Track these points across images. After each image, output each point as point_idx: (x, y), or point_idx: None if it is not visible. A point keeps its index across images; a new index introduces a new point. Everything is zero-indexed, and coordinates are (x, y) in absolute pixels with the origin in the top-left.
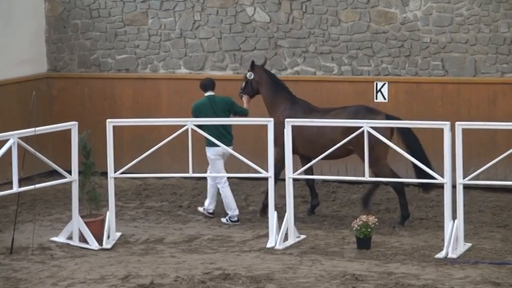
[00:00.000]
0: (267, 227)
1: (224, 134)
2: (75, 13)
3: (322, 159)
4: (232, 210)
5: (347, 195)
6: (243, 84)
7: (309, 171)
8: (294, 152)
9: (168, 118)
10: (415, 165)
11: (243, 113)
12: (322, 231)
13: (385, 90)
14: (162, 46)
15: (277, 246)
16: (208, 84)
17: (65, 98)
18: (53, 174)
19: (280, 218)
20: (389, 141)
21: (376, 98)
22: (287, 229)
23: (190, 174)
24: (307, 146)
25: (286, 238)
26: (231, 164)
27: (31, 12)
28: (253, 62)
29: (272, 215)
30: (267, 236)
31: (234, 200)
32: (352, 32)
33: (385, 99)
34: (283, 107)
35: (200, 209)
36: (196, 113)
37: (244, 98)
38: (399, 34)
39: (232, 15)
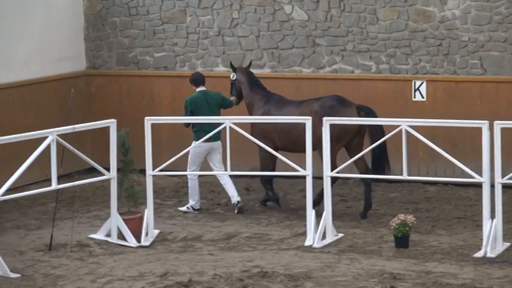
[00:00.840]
0: (305, 225)
1: (212, 129)
2: (114, 11)
3: (298, 152)
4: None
5: (385, 194)
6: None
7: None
8: (273, 146)
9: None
10: (373, 159)
11: (230, 105)
12: (360, 229)
13: (423, 89)
14: (200, 44)
15: (315, 245)
16: (200, 78)
17: (103, 95)
18: (92, 171)
19: (318, 217)
20: (364, 135)
21: (414, 97)
22: (325, 227)
23: (228, 172)
24: (283, 138)
25: (324, 236)
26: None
27: (70, 10)
28: (231, 63)
29: (310, 213)
30: (305, 234)
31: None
32: (391, 31)
33: (423, 98)
34: (259, 104)
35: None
36: (192, 108)
37: (233, 99)
38: (437, 33)
39: (270, 14)
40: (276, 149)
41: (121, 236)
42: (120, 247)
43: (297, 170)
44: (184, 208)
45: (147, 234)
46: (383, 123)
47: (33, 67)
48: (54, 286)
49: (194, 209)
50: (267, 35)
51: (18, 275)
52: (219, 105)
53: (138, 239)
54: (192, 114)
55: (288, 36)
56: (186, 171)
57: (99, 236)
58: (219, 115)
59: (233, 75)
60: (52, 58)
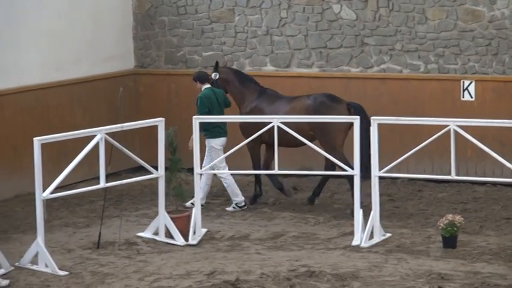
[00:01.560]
0: (353, 225)
1: (224, 126)
2: (162, 10)
3: (286, 146)
4: (239, 196)
5: (433, 194)
6: (208, 85)
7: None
8: (262, 141)
9: (255, 116)
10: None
11: (229, 104)
12: (408, 229)
13: (472, 88)
14: (248, 43)
15: (363, 244)
16: (206, 76)
17: (151, 94)
18: (140, 170)
19: (366, 216)
20: (347, 132)
21: (463, 97)
22: (373, 227)
23: (276, 171)
24: (272, 133)
25: (371, 236)
26: (317, 161)
27: (119, 9)
28: (217, 63)
29: (358, 213)
30: (352, 233)
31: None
32: (439, 30)
33: (472, 97)
34: (251, 98)
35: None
36: (208, 104)
37: None
38: (486, 32)
39: (318, 13)
40: (263, 143)
41: (169, 234)
42: (167, 245)
43: (345, 170)
44: (230, 208)
45: (194, 232)
46: (432, 123)
47: (82, 66)
48: (102, 284)
49: (240, 207)
50: (315, 34)
51: (67, 273)
52: (224, 102)
53: (186, 238)
54: (209, 111)
55: (336, 35)
56: (233, 170)
57: (147, 234)
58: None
59: (215, 74)
60: (101, 57)
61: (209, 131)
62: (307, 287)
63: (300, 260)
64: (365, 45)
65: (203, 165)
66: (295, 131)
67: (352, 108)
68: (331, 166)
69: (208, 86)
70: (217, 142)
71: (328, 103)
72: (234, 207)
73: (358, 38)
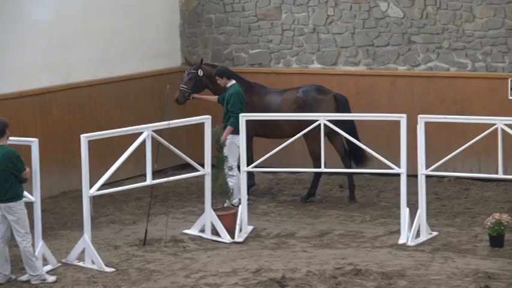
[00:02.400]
0: (399, 223)
1: None
2: (209, 7)
3: (276, 137)
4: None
5: (480, 193)
6: (189, 84)
7: None
8: (253, 133)
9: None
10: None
11: None
12: (455, 228)
13: None
14: (295, 41)
15: (409, 243)
16: (232, 72)
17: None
18: (186, 167)
19: (413, 215)
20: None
21: (511, 95)
22: (419, 226)
23: (323, 169)
24: (263, 125)
25: (418, 235)
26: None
27: (166, 6)
28: (202, 60)
29: (404, 211)
30: (398, 232)
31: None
32: (487, 28)
33: None
34: None
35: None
36: (243, 101)
37: (196, 95)
38: None
39: (365, 11)
40: (256, 135)
41: (215, 231)
42: (213, 243)
43: (392, 168)
44: (227, 203)
45: (240, 230)
46: (479, 122)
47: (129, 63)
48: (148, 281)
49: (235, 206)
50: (362, 32)
51: (113, 269)
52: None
53: (232, 235)
54: (242, 107)
55: (383, 33)
56: (279, 168)
57: (193, 231)
58: None
59: (200, 71)
60: (148, 54)
61: (237, 128)
62: (353, 285)
63: (346, 258)
64: (412, 43)
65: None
66: (283, 123)
67: (338, 100)
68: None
69: (234, 81)
70: (238, 139)
71: (316, 95)
72: (232, 204)
73: (405, 36)
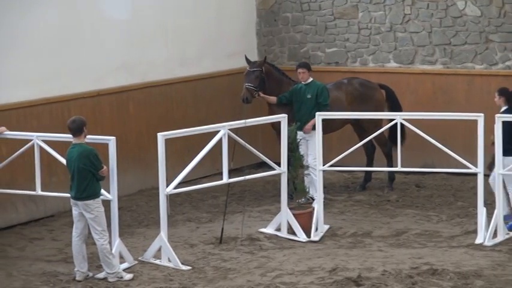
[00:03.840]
0: (476, 223)
1: None
2: (286, 6)
3: (325, 133)
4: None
5: None
6: (255, 82)
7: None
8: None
9: (379, 112)
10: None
11: None
12: None
13: None
14: (371, 40)
15: (486, 243)
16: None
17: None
18: (262, 166)
19: (490, 215)
20: None
21: None
22: (496, 225)
23: (399, 168)
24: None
25: (495, 235)
26: (439, 158)
27: (243, 5)
28: (265, 58)
29: (481, 211)
30: (475, 232)
31: None
32: None
33: None
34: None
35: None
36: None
37: (262, 94)
38: None
39: (442, 9)
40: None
41: (291, 230)
42: (289, 241)
43: (469, 168)
44: (304, 200)
45: (316, 229)
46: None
47: (206, 62)
48: (224, 279)
49: (313, 199)
50: (439, 31)
51: (189, 267)
52: None
53: (308, 234)
54: None
55: (461, 32)
56: (355, 166)
57: (269, 230)
58: None
59: (261, 69)
60: (224, 53)
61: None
62: (429, 285)
63: (423, 257)
64: (489, 42)
65: (308, 160)
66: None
67: (384, 88)
68: (372, 147)
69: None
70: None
71: (368, 85)
72: (306, 199)
73: (482, 34)
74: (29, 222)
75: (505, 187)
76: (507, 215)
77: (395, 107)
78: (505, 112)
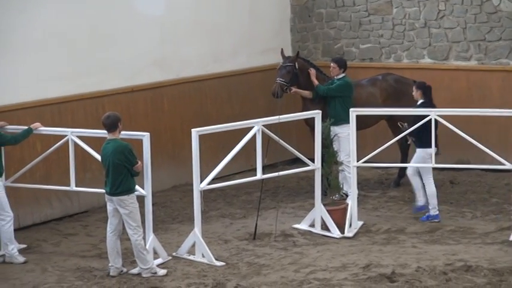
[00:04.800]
0: (510, 220)
1: None
2: (320, 2)
3: (359, 129)
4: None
5: None
6: (287, 77)
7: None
8: None
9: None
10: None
11: None
12: None
13: None
14: (406, 36)
15: None
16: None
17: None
18: (296, 161)
19: None
20: None
21: None
22: None
23: (433, 164)
24: None
25: None
26: (474, 155)
27: (277, 1)
28: (298, 53)
29: None
30: (510, 228)
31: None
32: None
33: None
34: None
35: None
36: (350, 92)
37: (294, 89)
38: None
39: (477, 5)
40: None
41: (325, 226)
42: (323, 238)
43: (503, 164)
44: (337, 196)
45: (350, 225)
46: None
47: (240, 58)
48: (258, 275)
49: (347, 195)
50: (474, 26)
51: (223, 263)
52: None
53: (342, 230)
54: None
55: (496, 28)
56: (389, 163)
57: (303, 226)
58: None
59: (296, 65)
60: (258, 49)
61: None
62: (463, 281)
63: (457, 254)
64: None
65: (340, 157)
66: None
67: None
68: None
69: (344, 74)
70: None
71: (403, 81)
72: (340, 195)
73: None
74: (64, 218)
75: (421, 178)
76: (422, 206)
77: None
78: (420, 106)
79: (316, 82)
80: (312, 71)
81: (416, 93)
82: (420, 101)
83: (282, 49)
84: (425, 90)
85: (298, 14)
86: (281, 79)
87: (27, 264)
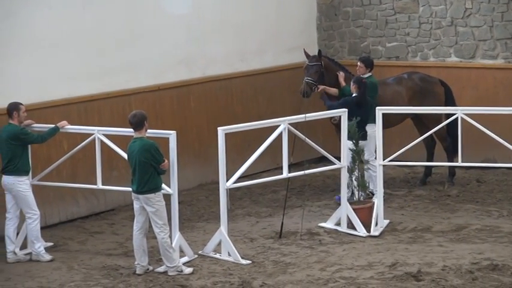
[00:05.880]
0: None
1: None
2: (347, 1)
3: (384, 128)
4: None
5: None
6: (315, 76)
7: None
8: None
9: (439, 107)
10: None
11: None
12: None
13: None
14: (432, 34)
15: None
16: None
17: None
18: (322, 160)
19: None
20: None
21: None
22: None
23: (460, 163)
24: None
25: None
26: (500, 153)
27: (303, 0)
28: (320, 52)
29: None
30: None
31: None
32: None
33: None
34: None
35: None
36: (375, 93)
37: (322, 87)
38: None
39: (504, 3)
40: None
41: (351, 225)
42: (349, 236)
43: None
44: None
45: (376, 224)
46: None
47: (266, 56)
48: (284, 273)
49: (373, 194)
50: (501, 25)
51: (249, 262)
52: None
53: (368, 229)
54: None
55: None
56: (416, 161)
57: (329, 224)
58: None
59: (321, 63)
60: (284, 48)
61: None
62: (489, 280)
63: (483, 253)
64: None
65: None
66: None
67: (443, 84)
68: (433, 142)
69: (370, 73)
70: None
71: (429, 79)
72: (366, 194)
73: None
74: (90, 216)
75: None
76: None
77: (450, 105)
78: (353, 99)
79: (343, 84)
80: (341, 74)
81: (352, 86)
82: (354, 95)
83: (304, 49)
84: (360, 84)
85: (324, 12)
86: (309, 78)
87: (53, 262)
